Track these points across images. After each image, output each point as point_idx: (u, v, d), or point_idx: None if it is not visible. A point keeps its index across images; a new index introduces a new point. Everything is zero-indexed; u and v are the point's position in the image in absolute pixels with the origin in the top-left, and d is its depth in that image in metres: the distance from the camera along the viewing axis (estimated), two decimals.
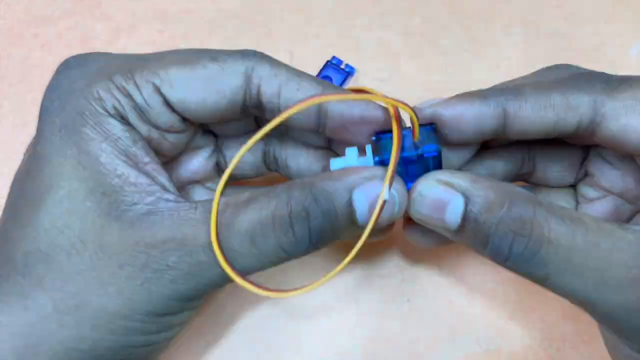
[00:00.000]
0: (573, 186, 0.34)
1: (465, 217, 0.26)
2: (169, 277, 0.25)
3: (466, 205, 0.26)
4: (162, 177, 0.28)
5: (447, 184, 0.26)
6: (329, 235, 0.26)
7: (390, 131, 0.27)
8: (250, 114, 0.30)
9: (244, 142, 0.30)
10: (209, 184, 0.35)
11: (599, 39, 0.45)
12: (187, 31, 0.44)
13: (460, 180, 0.26)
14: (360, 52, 0.44)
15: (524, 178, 0.35)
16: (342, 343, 0.39)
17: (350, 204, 0.26)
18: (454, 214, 0.26)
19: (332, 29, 0.45)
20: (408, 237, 0.33)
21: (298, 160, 0.34)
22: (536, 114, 0.27)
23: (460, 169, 0.33)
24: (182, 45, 0.44)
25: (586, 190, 0.33)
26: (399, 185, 0.27)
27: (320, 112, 0.29)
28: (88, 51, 0.44)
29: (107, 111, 0.26)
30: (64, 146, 0.26)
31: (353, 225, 0.26)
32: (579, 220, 0.25)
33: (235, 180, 0.36)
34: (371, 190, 0.26)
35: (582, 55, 0.44)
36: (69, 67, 0.29)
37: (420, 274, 0.40)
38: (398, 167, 0.27)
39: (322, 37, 0.44)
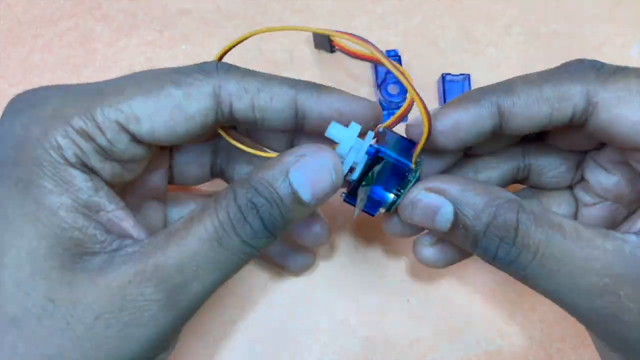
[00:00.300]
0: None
1: (454, 223, 0.27)
2: (148, 313, 0.24)
3: (456, 212, 0.27)
4: (126, 222, 0.27)
5: (437, 191, 0.27)
6: (281, 220, 0.26)
7: (387, 154, 0.28)
8: (224, 126, 0.30)
9: (196, 152, 0.33)
10: (162, 199, 0.34)
11: (599, 39, 0.45)
12: (186, 32, 0.44)
13: (450, 186, 0.27)
14: None
15: (521, 182, 0.35)
16: (342, 343, 0.39)
17: (289, 186, 0.26)
18: (443, 220, 0.27)
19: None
20: (386, 229, 0.33)
21: (245, 171, 0.34)
22: (530, 109, 0.28)
23: (448, 171, 0.33)
24: (183, 46, 0.44)
25: (582, 195, 0.33)
26: (334, 158, 0.27)
27: (297, 108, 0.28)
28: (88, 52, 0.45)
29: (67, 160, 0.25)
30: (22, 202, 0.24)
31: (301, 204, 0.26)
32: (559, 227, 0.26)
33: (178, 185, 0.35)
34: (305, 167, 0.26)
35: (582, 56, 0.44)
36: (19, 110, 0.26)
37: (421, 274, 0.40)
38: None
39: None
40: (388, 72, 0.41)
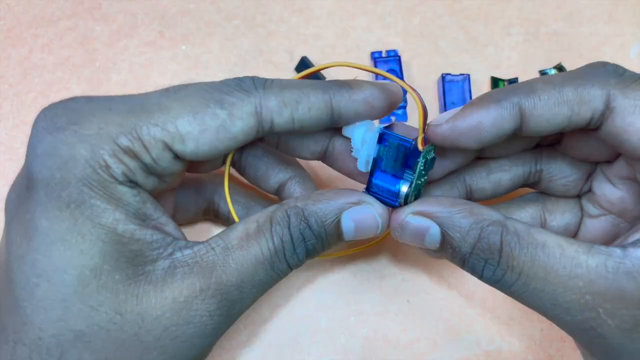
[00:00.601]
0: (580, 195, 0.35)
1: (442, 243, 0.28)
2: (211, 326, 0.27)
3: (442, 233, 0.28)
4: (170, 227, 0.29)
5: (424, 215, 0.28)
6: (319, 251, 0.29)
7: (391, 134, 0.29)
8: (264, 139, 0.32)
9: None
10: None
11: (599, 39, 0.45)
12: (186, 32, 0.44)
13: (437, 209, 0.28)
14: (360, 53, 0.44)
15: (531, 186, 0.35)
16: (342, 343, 0.39)
17: (338, 225, 0.28)
18: (432, 240, 0.28)
19: (332, 30, 0.45)
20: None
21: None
22: (550, 111, 0.28)
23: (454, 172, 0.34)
24: (183, 46, 0.44)
25: (588, 206, 0.34)
26: (383, 211, 0.29)
27: (333, 111, 0.29)
28: (88, 52, 0.45)
29: (115, 179, 0.26)
30: (76, 223, 0.25)
31: (339, 241, 0.29)
32: (543, 246, 0.26)
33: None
34: (356, 214, 0.29)
35: (582, 56, 0.44)
36: (59, 128, 0.25)
37: (421, 274, 0.40)
38: (391, 162, 0.30)
39: (322, 38, 0.44)
40: (388, 71, 0.42)
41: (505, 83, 0.43)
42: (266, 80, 0.29)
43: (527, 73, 0.44)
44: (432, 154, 0.30)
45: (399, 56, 0.43)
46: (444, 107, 0.42)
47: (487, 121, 0.28)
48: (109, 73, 0.43)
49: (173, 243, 0.27)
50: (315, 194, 0.29)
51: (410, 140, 0.29)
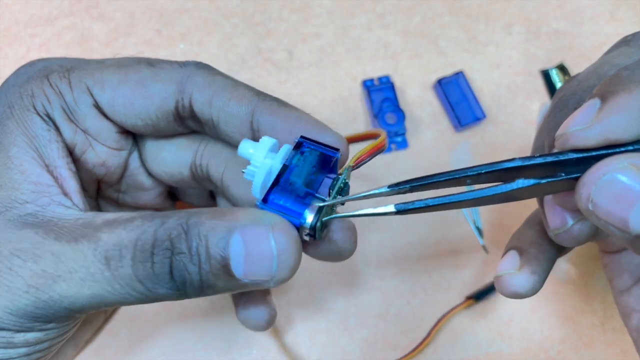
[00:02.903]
0: None
1: None
2: (7, 283, 0.23)
3: None
4: (70, 183, 0.26)
5: None
6: (195, 279, 0.23)
7: (313, 141, 0.25)
8: (188, 126, 0.29)
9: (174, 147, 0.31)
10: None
11: (600, 39, 0.44)
12: (185, 31, 0.44)
13: None
14: (360, 52, 0.44)
15: None
16: (342, 344, 0.39)
17: (225, 247, 0.22)
18: None
19: (331, 29, 0.44)
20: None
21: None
22: None
23: None
24: (181, 44, 0.44)
25: None
26: (286, 236, 0.22)
27: (252, 126, 0.28)
28: (86, 51, 0.44)
29: (34, 108, 0.27)
30: None
31: (227, 275, 0.23)
32: None
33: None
34: (253, 236, 0.22)
35: (583, 55, 0.44)
36: (22, 66, 0.29)
37: (420, 276, 0.40)
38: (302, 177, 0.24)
39: (322, 37, 0.44)
40: (384, 100, 0.41)
41: (558, 71, 0.42)
42: (209, 65, 0.29)
43: (528, 72, 0.43)
44: (347, 180, 0.26)
45: (392, 83, 0.42)
46: (450, 108, 0.42)
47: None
48: None
49: (56, 196, 0.25)
50: (221, 208, 0.24)
51: (336, 153, 0.24)
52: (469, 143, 0.42)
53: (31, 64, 0.29)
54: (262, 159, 0.25)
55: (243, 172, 0.25)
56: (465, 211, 0.40)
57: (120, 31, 0.44)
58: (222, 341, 0.38)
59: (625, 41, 0.27)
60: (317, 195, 0.24)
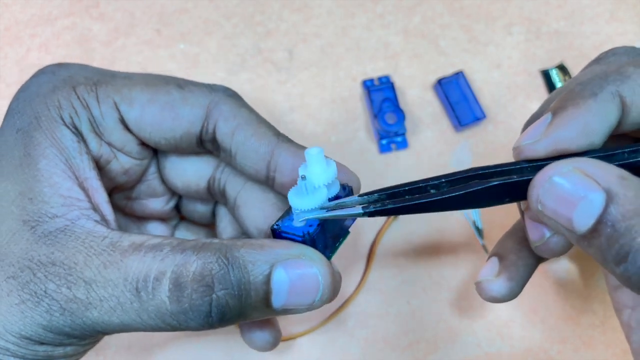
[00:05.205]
0: None
1: (600, 221, 0.21)
2: (45, 305, 0.23)
3: (606, 205, 0.21)
4: (99, 196, 0.26)
5: (587, 175, 0.21)
6: (234, 314, 0.23)
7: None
8: (206, 148, 0.29)
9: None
10: (168, 222, 0.35)
11: (600, 38, 0.44)
12: (185, 31, 0.44)
13: (606, 173, 0.21)
14: (360, 52, 0.44)
15: None
16: (342, 344, 0.38)
17: (268, 280, 0.22)
18: (587, 213, 0.21)
19: (331, 29, 0.44)
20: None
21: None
22: None
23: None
24: (181, 44, 0.44)
25: None
26: (328, 270, 0.23)
27: (269, 166, 0.28)
28: (85, 51, 0.44)
29: (62, 119, 0.26)
30: (14, 146, 0.26)
31: (266, 307, 0.23)
32: None
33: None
34: (296, 269, 0.23)
35: (583, 55, 0.44)
36: (43, 72, 0.29)
37: (420, 276, 0.40)
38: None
39: (322, 37, 0.44)
40: (384, 100, 0.41)
41: (558, 71, 0.42)
42: (237, 94, 0.29)
43: (528, 72, 0.43)
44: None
45: (392, 83, 0.42)
46: (450, 108, 0.42)
47: (594, 121, 0.23)
48: None
49: (86, 210, 0.25)
50: (251, 240, 0.24)
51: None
52: (469, 143, 0.42)
53: (53, 71, 0.28)
54: (323, 184, 0.25)
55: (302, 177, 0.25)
56: (465, 211, 0.40)
57: (120, 31, 0.44)
58: (222, 341, 0.38)
59: (598, 59, 0.29)
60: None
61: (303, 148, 0.28)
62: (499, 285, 0.28)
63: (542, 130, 0.24)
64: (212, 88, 0.29)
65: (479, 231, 0.40)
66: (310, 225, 0.24)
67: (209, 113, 0.28)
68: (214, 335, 0.39)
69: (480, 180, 0.25)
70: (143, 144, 0.29)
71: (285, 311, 0.23)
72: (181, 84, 0.28)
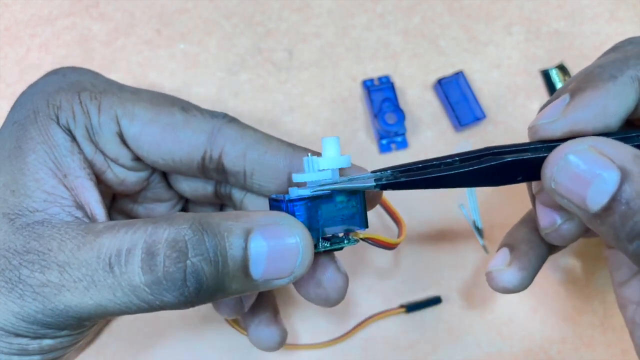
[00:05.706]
0: None
1: (615, 198, 0.21)
2: (18, 291, 0.23)
3: (621, 183, 0.21)
4: (89, 195, 0.26)
5: (602, 154, 0.22)
6: (211, 283, 0.22)
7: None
8: (209, 176, 0.29)
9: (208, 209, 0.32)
10: None
11: (600, 38, 0.44)
12: (185, 31, 0.44)
13: (621, 152, 0.21)
14: (360, 52, 0.44)
15: None
16: (342, 344, 0.38)
17: (245, 246, 0.22)
18: (600, 191, 0.21)
19: (331, 29, 0.44)
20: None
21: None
22: None
23: None
24: (181, 44, 0.44)
25: None
26: (305, 234, 0.23)
27: (290, 176, 0.27)
28: (85, 51, 0.44)
29: (57, 118, 0.26)
30: (8, 138, 0.26)
31: (245, 276, 0.22)
32: None
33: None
34: (274, 234, 0.22)
35: (583, 55, 0.44)
36: (55, 72, 0.29)
37: (420, 276, 0.40)
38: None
39: (322, 37, 0.44)
40: (384, 100, 0.41)
41: (558, 71, 0.42)
42: (239, 121, 0.29)
43: (528, 72, 0.43)
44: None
45: (392, 83, 0.42)
46: (450, 108, 0.42)
47: (613, 104, 0.23)
48: (107, 72, 0.42)
49: (69, 207, 0.25)
50: (228, 212, 0.24)
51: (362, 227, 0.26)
52: (469, 143, 0.42)
53: (64, 73, 0.29)
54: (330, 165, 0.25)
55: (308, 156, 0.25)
56: (465, 211, 0.40)
57: (120, 31, 0.44)
58: (222, 340, 0.39)
59: (615, 47, 0.28)
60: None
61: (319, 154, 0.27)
62: (510, 275, 0.29)
63: (560, 111, 0.24)
64: (213, 114, 0.28)
65: (479, 231, 0.40)
66: (299, 197, 0.24)
67: (212, 139, 0.27)
68: (214, 335, 0.39)
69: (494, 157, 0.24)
70: (138, 159, 0.29)
71: (267, 283, 0.23)
72: (185, 107, 0.28)
